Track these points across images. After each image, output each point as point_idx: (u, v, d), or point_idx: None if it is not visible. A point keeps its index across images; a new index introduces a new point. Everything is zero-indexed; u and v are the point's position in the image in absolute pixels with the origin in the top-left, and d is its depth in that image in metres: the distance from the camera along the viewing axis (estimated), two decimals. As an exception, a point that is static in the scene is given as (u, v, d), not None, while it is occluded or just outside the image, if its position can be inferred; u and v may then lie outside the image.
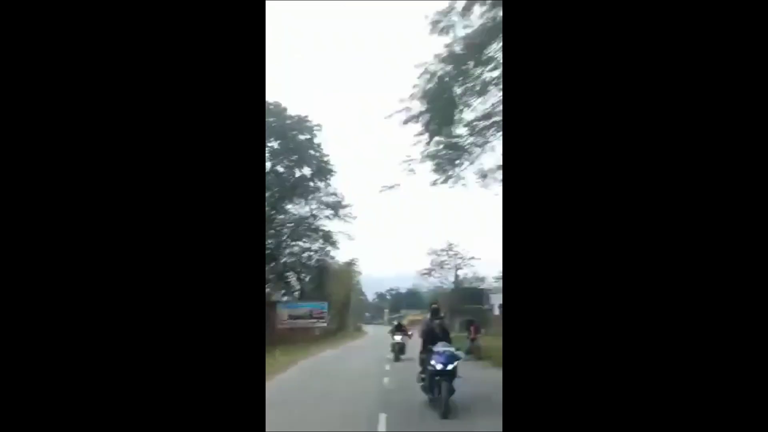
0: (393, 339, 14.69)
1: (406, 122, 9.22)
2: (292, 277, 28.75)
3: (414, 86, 8.98)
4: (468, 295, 28.42)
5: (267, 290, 25.71)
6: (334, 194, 28.13)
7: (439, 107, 8.86)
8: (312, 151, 26.83)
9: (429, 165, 9.68)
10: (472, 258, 29.01)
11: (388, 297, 65.58)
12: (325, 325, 27.29)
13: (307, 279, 28.66)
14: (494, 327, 23.46)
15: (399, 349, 14.17)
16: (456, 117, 9.25)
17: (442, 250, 32.29)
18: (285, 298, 28.11)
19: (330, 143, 33.20)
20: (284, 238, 27.66)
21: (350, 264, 35.66)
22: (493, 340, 16.01)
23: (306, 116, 26.52)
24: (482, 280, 29.90)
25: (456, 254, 31.39)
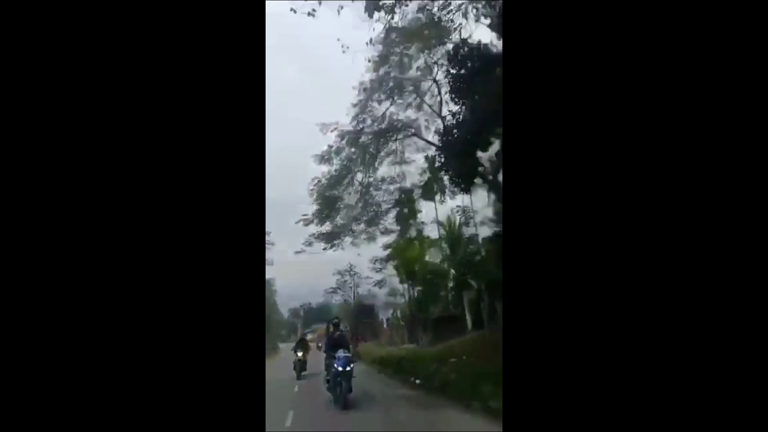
0: (296, 356, 14.18)
1: (307, 224, 15.46)
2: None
3: (311, 189, 15.15)
4: (364, 310, 34.52)
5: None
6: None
7: (324, 204, 15.11)
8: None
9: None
10: (368, 277, 34.82)
11: (302, 312, 70.15)
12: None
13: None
14: (383, 337, 29.72)
15: (300, 367, 13.74)
16: (337, 207, 15.50)
17: (345, 271, 37.94)
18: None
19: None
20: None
21: (267, 284, 40.52)
22: (376, 347, 21.75)
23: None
24: (375, 296, 36.02)
25: (356, 274, 37.23)
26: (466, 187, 11.97)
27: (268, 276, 38.49)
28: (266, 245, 34.32)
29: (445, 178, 12.95)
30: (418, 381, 9.49)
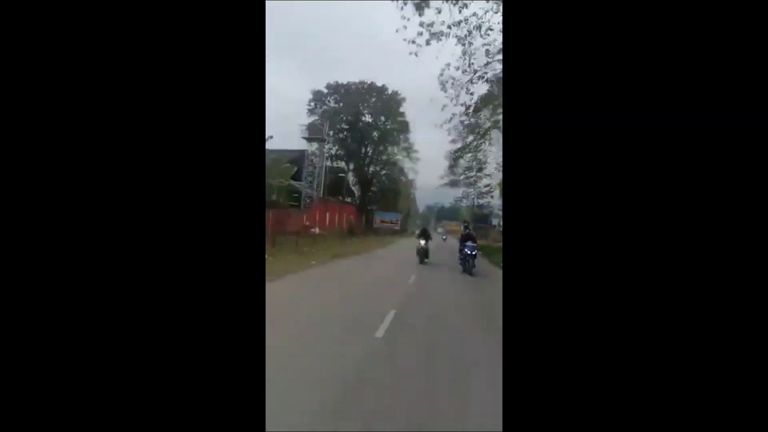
0: (419, 244, 15.02)
1: (442, 177, 29.83)
2: (378, 195, 50.34)
3: (445, 156, 28.66)
4: (481, 216, 48.16)
5: (365, 201, 47.79)
6: (408, 142, 49.21)
7: (451, 162, 28.65)
8: (397, 117, 47.62)
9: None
10: (486, 191, 47.64)
11: (435, 210, 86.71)
12: (398, 228, 48.11)
13: (389, 197, 50.15)
14: (492, 236, 43.24)
15: (423, 253, 14.87)
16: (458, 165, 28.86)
17: (469, 185, 51.03)
18: (375, 207, 49.94)
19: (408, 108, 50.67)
20: (378, 169, 49.33)
21: (410, 183, 56.16)
22: (485, 243, 35.48)
23: (397, 91, 46.75)
24: (490, 207, 48.55)
25: (477, 189, 50.11)
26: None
27: (411, 178, 54.27)
28: (414, 159, 49.18)
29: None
30: (481, 252, 23.22)
